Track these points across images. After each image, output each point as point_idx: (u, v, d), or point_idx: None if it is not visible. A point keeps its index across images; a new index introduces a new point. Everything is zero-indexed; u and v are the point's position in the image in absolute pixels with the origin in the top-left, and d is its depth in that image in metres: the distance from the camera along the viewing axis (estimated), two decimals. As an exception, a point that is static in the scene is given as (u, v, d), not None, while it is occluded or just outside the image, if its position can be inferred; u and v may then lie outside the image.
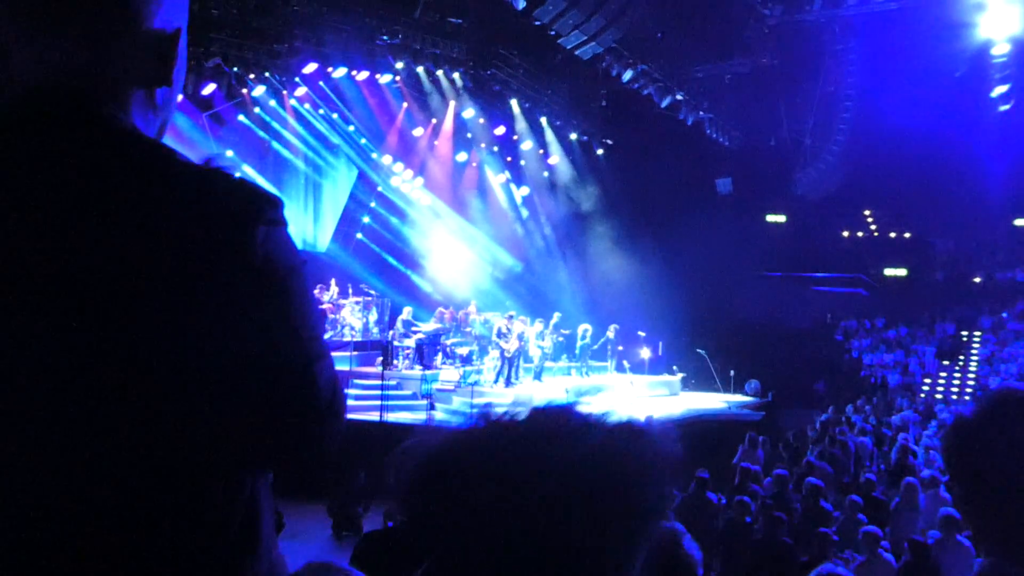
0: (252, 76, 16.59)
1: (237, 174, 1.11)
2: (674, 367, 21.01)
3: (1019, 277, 26.27)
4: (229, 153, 16.78)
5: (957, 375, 23.61)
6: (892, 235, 28.61)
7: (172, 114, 1.24)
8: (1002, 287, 26.21)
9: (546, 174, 23.70)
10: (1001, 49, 18.30)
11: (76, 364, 0.99)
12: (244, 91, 17.26)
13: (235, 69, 15.85)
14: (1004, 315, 25.07)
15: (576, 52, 17.21)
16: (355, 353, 17.81)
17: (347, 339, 18.05)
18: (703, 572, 2.97)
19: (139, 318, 1.01)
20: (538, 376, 17.66)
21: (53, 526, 0.99)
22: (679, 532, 2.99)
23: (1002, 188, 23.57)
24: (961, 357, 24.24)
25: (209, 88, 16.10)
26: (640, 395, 18.29)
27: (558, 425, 0.87)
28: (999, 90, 19.31)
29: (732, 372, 20.76)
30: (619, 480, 0.85)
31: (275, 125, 19.46)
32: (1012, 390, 1.53)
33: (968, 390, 22.29)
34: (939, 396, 22.08)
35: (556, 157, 22.90)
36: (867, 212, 28.96)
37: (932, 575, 7.20)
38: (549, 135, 22.23)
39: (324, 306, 17.85)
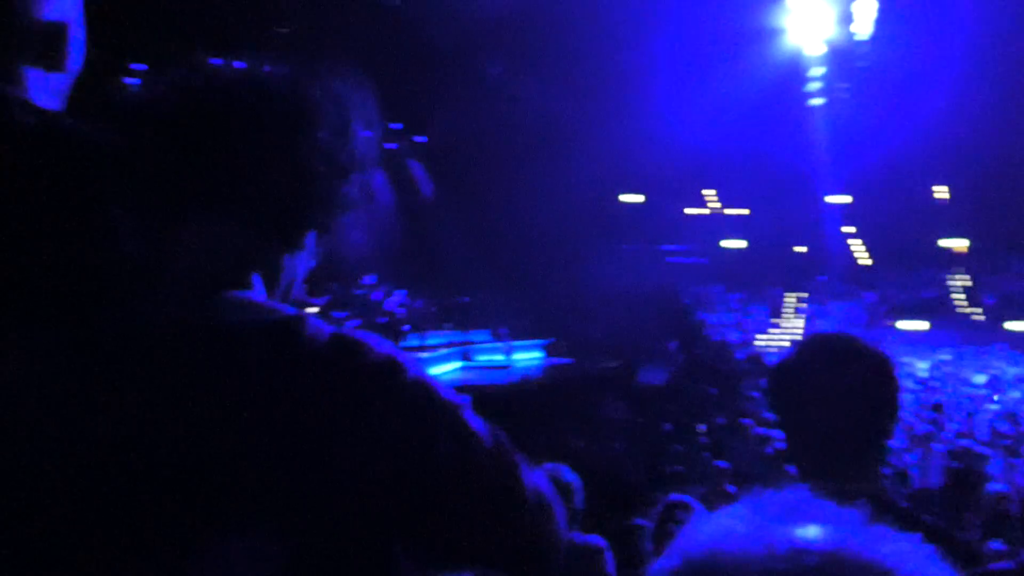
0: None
1: None
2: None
3: (833, 247, 28.28)
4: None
5: (786, 332, 25.25)
6: (731, 212, 30.07)
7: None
8: (822, 255, 28.12)
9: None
10: (815, 50, 19.77)
11: None
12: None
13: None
14: (823, 279, 27.06)
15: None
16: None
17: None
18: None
19: None
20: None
21: None
22: (562, 468, 3.46)
23: (819, 171, 25.53)
24: (789, 317, 26.00)
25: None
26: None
27: None
28: (813, 86, 20.77)
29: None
30: None
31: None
32: (821, 335, 1.69)
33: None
34: (773, 350, 23.58)
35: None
36: (709, 192, 30.33)
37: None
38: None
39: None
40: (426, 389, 0.95)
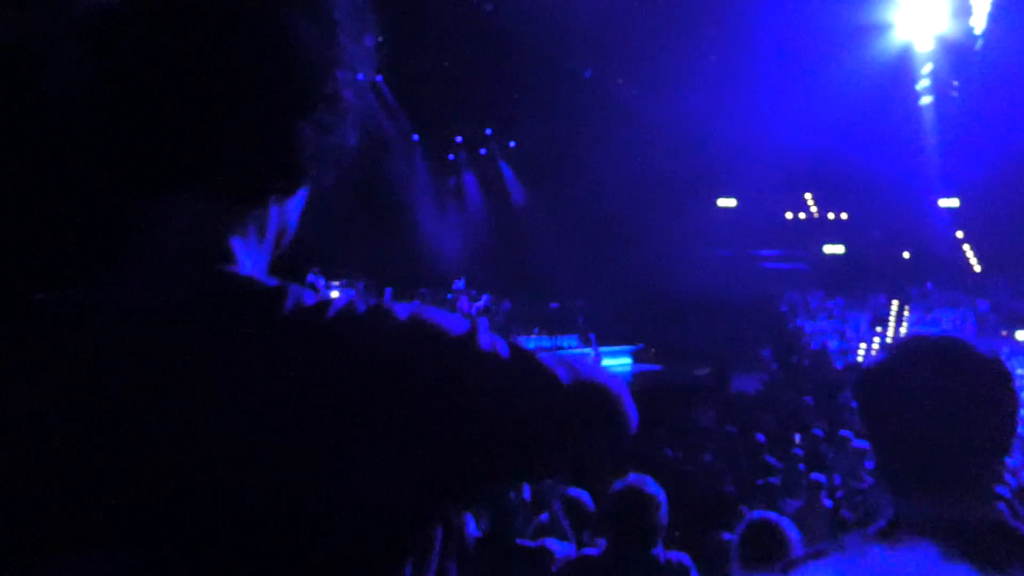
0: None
1: None
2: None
3: (940, 252, 26.92)
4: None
5: (889, 340, 24.20)
6: (831, 216, 29.08)
7: None
8: (927, 261, 26.84)
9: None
10: (925, 46, 18.82)
11: None
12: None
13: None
14: (929, 286, 25.74)
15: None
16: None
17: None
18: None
19: None
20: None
21: None
22: (647, 480, 3.28)
23: (926, 173, 24.28)
24: (891, 324, 24.88)
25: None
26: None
27: None
28: (923, 84, 19.80)
29: None
30: None
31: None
32: (923, 337, 1.47)
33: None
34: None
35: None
36: (808, 195, 29.41)
37: (861, 521, 7.57)
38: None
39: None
40: (460, 344, 0.81)
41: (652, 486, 3.14)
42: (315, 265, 19.70)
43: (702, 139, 23.11)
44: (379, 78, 23.96)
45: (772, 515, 3.12)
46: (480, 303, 19.72)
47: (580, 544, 3.71)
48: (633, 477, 3.17)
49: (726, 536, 4.17)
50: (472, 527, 3.46)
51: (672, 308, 22.66)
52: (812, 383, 17.34)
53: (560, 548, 3.29)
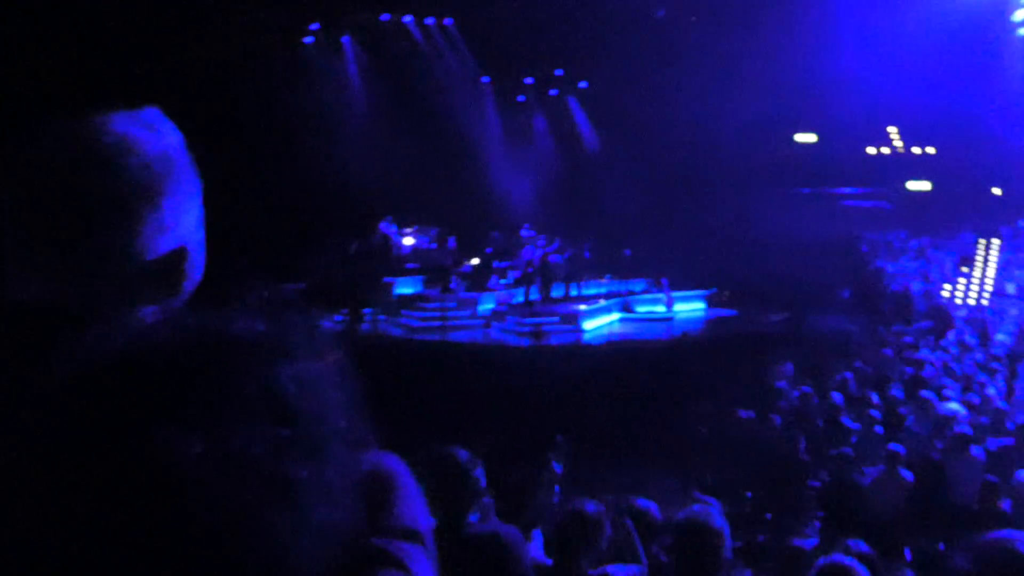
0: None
1: None
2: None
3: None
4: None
5: (975, 282, 23.20)
6: (916, 150, 27.74)
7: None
8: (1019, 197, 25.44)
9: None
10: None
11: None
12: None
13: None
14: (1020, 223, 24.42)
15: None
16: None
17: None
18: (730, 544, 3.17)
19: None
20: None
21: None
22: (712, 512, 3.19)
23: (1020, 104, 22.79)
24: (979, 264, 23.78)
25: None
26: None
27: None
28: (1020, 14, 18.51)
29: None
30: None
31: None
32: (1002, 545, 1.44)
33: (986, 295, 21.93)
34: (958, 302, 21.79)
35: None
36: (892, 128, 28.07)
37: (943, 492, 7.35)
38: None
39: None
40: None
41: (717, 518, 3.04)
42: (387, 213, 19.85)
43: (778, 73, 22.19)
44: (449, 21, 23.69)
45: (842, 559, 2.99)
46: (551, 247, 19.59)
47: (650, 557, 3.66)
48: (698, 508, 3.08)
49: (796, 542, 4.07)
50: (539, 551, 3.45)
51: (747, 250, 22.09)
52: (894, 333, 16.83)
53: (623, 573, 3.24)
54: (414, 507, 0.95)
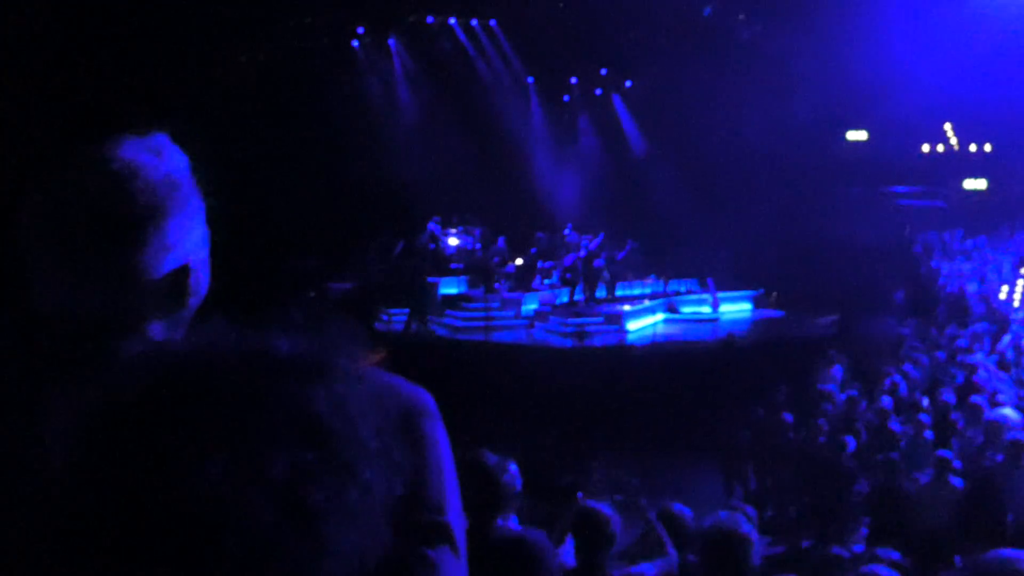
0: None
1: None
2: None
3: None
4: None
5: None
6: (972, 148, 27.06)
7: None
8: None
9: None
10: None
11: None
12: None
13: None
14: (1083, 223, 23.72)
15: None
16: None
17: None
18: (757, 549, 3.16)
19: None
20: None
21: None
22: (739, 519, 3.18)
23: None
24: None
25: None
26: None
27: None
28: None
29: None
30: None
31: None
32: (1004, 564, 1.41)
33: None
34: (1016, 304, 21.19)
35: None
36: (947, 125, 27.41)
37: (996, 502, 7.13)
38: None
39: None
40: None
41: (744, 525, 3.03)
42: (434, 213, 20.00)
43: (828, 70, 21.81)
44: (493, 22, 23.78)
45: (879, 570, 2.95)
46: (594, 244, 19.52)
47: (682, 561, 3.66)
48: (725, 515, 3.07)
49: (835, 550, 4.02)
50: (568, 556, 3.47)
51: (796, 250, 21.74)
52: (946, 333, 16.43)
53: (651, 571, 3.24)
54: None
